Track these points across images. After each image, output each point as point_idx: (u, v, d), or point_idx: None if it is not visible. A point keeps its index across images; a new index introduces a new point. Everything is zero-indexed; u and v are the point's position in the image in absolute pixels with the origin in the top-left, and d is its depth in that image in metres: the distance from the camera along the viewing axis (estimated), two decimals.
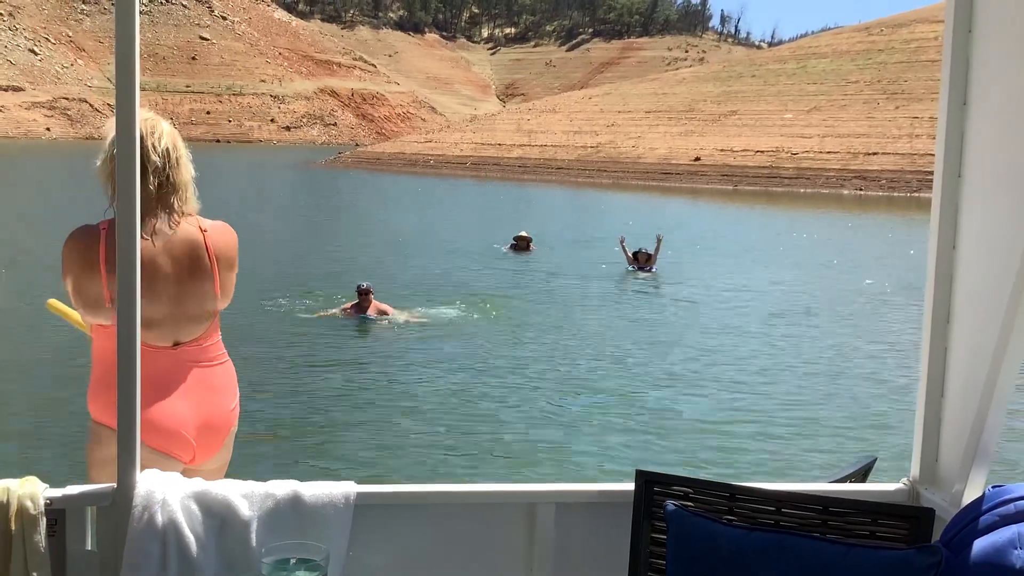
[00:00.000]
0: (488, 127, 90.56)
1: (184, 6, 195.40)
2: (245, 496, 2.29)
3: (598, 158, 71.94)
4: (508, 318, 15.27)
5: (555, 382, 11.30)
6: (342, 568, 2.24)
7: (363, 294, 14.43)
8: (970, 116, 2.27)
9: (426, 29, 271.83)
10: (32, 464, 7.40)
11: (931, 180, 2.44)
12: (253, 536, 2.25)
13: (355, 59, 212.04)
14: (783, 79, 79.60)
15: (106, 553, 2.26)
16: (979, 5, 2.24)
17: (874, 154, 60.51)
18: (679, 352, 13.19)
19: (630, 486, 2.37)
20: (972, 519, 2.06)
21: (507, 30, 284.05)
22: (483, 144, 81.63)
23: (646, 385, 11.30)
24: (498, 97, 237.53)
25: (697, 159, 66.82)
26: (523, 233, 24.49)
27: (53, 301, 3.37)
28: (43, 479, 2.23)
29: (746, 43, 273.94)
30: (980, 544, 2.00)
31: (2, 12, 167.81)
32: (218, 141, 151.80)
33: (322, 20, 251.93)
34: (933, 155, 2.38)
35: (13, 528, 2.13)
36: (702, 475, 2.59)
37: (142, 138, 2.76)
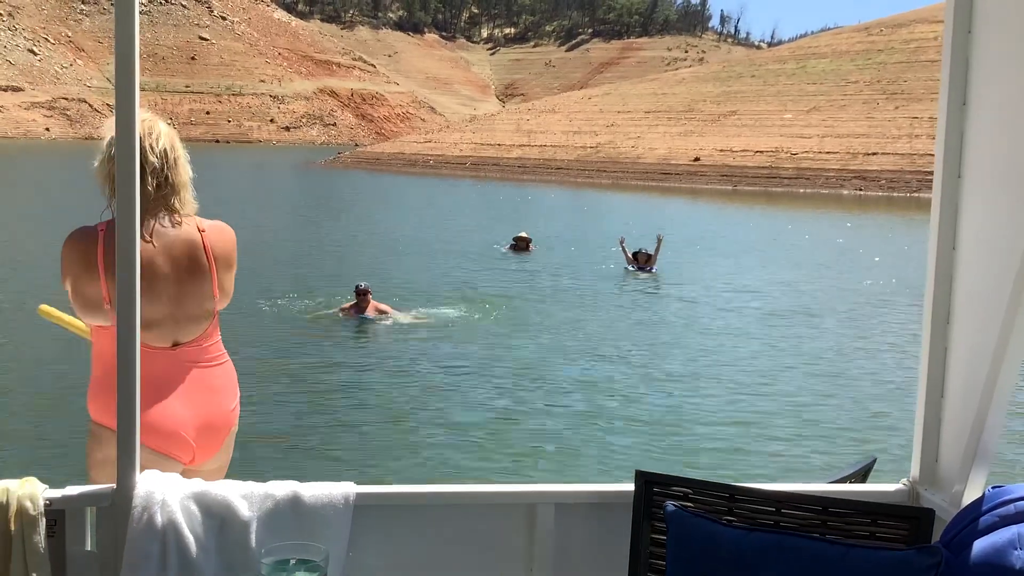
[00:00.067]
0: (487, 127, 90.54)
1: (183, 6, 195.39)
2: (245, 497, 2.29)
3: (597, 158, 71.95)
4: (507, 318, 15.27)
5: (555, 382, 11.30)
6: (342, 569, 2.24)
7: (361, 294, 14.43)
8: (970, 116, 2.27)
9: (425, 29, 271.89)
10: (32, 464, 7.39)
11: (931, 180, 2.44)
12: (253, 537, 2.25)
13: (355, 59, 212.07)
14: (783, 79, 79.61)
15: (106, 554, 2.26)
16: (979, 5, 2.24)
17: (874, 154, 60.52)
18: (679, 352, 13.20)
19: (630, 486, 2.37)
20: (972, 520, 2.06)
21: (506, 30, 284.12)
22: (482, 144, 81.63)
23: (646, 385, 11.29)
24: (497, 97, 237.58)
25: (696, 159, 66.83)
26: (523, 234, 24.49)
27: (45, 306, 3.33)
28: (43, 480, 2.23)
29: (746, 43, 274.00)
30: (980, 545, 2.00)
31: (1, 12, 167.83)
32: (217, 141, 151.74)
33: (321, 20, 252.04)
34: (933, 155, 2.38)
35: (13, 529, 2.13)
36: (702, 476, 2.58)
37: (139, 139, 2.76)
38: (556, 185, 60.97)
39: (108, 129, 2.82)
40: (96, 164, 2.87)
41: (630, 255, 20.87)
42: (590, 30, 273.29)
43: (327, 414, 9.78)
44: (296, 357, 12.30)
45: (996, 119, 2.19)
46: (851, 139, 63.42)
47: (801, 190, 57.96)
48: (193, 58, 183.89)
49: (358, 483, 2.36)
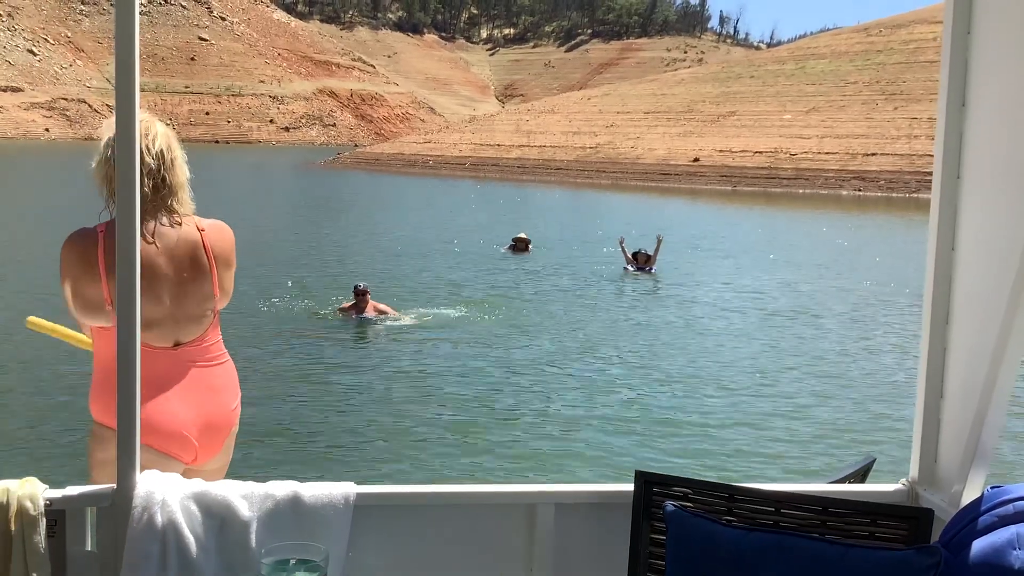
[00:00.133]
0: (487, 128, 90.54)
1: (183, 7, 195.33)
2: (245, 497, 2.29)
3: (597, 159, 71.96)
4: (507, 319, 15.27)
5: (554, 382, 11.30)
6: (341, 569, 2.24)
7: (360, 295, 14.43)
8: (969, 117, 2.28)
9: (425, 30, 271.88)
10: (32, 465, 7.38)
11: (930, 181, 2.44)
12: (253, 537, 2.25)
13: (354, 60, 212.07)
14: (782, 80, 79.62)
15: (106, 554, 2.26)
16: (978, 6, 2.24)
17: (873, 155, 60.54)
18: (678, 352, 13.20)
19: (630, 487, 2.37)
20: (971, 520, 2.07)
21: (506, 31, 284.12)
22: (482, 145, 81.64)
23: (645, 385, 11.30)
24: (497, 98, 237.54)
25: (696, 160, 66.84)
26: (522, 235, 24.49)
27: (33, 318, 3.29)
28: (43, 480, 2.23)
29: (745, 44, 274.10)
30: (979, 545, 2.01)
31: (1, 13, 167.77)
32: (217, 142, 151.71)
33: (321, 21, 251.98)
34: (932, 156, 2.38)
35: (13, 529, 2.13)
36: (701, 476, 2.59)
37: None
38: (555, 185, 60.97)
39: (105, 130, 2.82)
40: (94, 165, 2.87)
41: (630, 255, 20.88)
42: (589, 31, 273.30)
43: (327, 414, 9.78)
44: (295, 357, 12.30)
45: (995, 120, 2.19)
46: (850, 140, 63.43)
47: (800, 191, 57.99)
48: (193, 59, 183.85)
49: (358, 483, 2.36)
